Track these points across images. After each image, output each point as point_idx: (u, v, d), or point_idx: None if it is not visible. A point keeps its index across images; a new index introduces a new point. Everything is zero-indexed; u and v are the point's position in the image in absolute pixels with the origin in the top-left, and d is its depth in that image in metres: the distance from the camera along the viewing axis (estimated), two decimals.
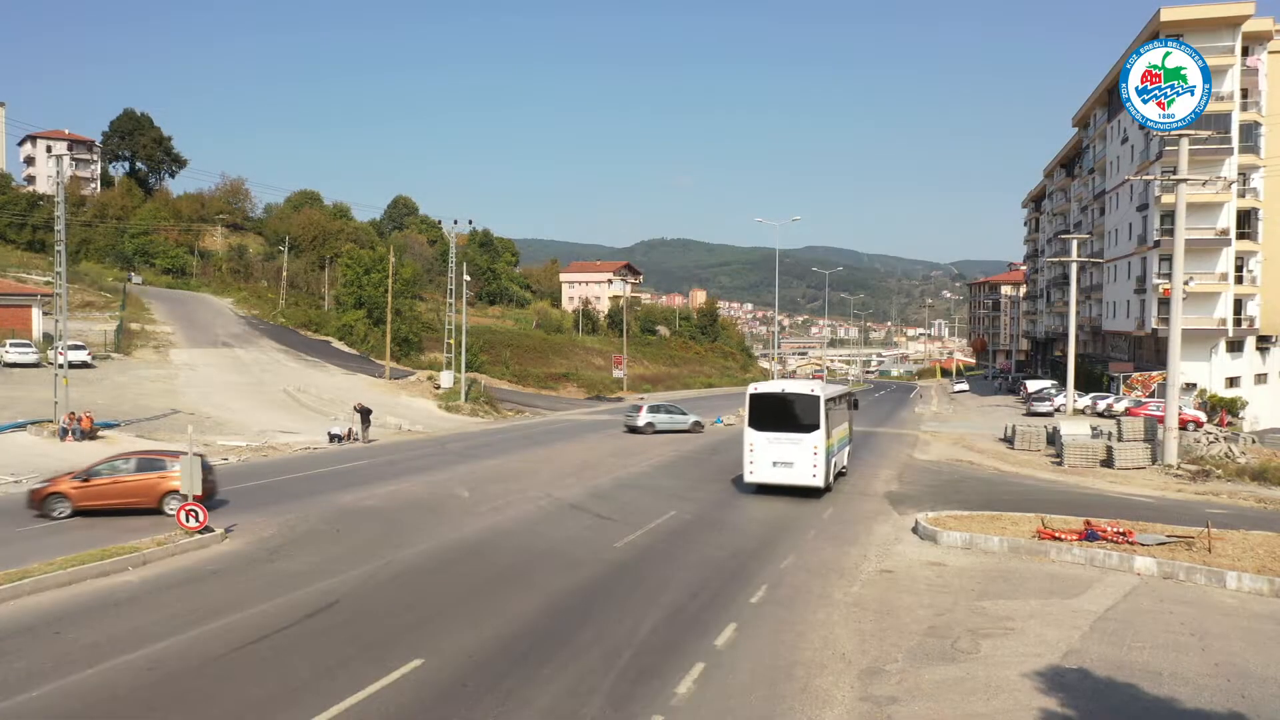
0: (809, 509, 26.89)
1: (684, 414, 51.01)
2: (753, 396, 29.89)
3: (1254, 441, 45.95)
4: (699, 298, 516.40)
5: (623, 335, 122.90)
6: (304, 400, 54.29)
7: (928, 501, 28.79)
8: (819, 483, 28.76)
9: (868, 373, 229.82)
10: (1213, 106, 66.12)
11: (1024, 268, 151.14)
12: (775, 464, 29.08)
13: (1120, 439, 40.16)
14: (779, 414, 29.41)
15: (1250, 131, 68.40)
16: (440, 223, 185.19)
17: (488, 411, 58.10)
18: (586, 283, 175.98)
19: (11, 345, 56.36)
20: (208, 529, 20.88)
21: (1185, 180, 37.32)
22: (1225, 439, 45.98)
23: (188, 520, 20.47)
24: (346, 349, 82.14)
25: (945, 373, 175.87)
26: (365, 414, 42.91)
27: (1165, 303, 61.00)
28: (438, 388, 61.85)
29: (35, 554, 19.70)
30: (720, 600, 17.27)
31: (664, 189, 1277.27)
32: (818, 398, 29.14)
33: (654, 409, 49.84)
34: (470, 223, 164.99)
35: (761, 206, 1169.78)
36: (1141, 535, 21.20)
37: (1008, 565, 20.36)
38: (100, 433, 37.54)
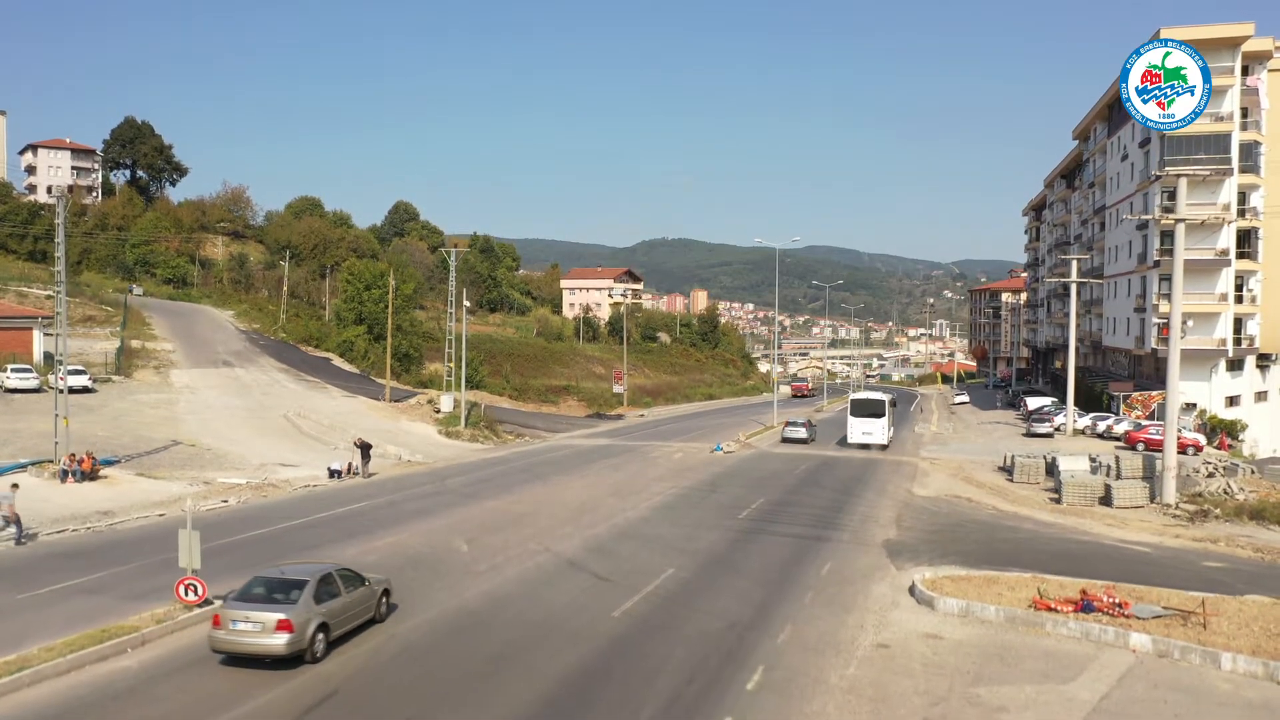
0: (808, 567, 26.91)
1: (814, 426, 65.79)
2: (853, 401, 60.46)
3: (1253, 472, 45.97)
4: (700, 298, 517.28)
5: (623, 344, 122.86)
6: (304, 427, 54.38)
7: (925, 553, 28.87)
8: (885, 443, 57.34)
9: (868, 376, 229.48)
10: (1213, 127, 66.42)
11: (1024, 275, 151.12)
12: (862, 433, 57.34)
13: (1119, 476, 40.21)
14: (864, 408, 58.70)
15: (1250, 151, 68.35)
16: (443, 234, 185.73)
17: (487, 437, 58.22)
18: (587, 289, 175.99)
19: (13, 371, 56.50)
20: (208, 602, 20.95)
21: (1184, 220, 37.30)
22: (1224, 470, 46.11)
23: (187, 594, 20.56)
24: (347, 367, 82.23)
25: (946, 378, 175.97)
26: (365, 449, 43.00)
27: (1165, 321, 61.20)
28: (438, 411, 61.95)
29: (36, 629, 19.82)
30: (717, 687, 17.33)
31: (665, 189, 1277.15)
32: (884, 400, 59.87)
33: (808, 426, 63.11)
34: (470, 245, 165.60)
35: (762, 206, 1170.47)
36: (1137, 607, 21.26)
37: (1004, 639, 20.43)
38: (101, 471, 37.61)
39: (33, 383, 56.27)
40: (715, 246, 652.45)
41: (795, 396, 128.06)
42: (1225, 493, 39.41)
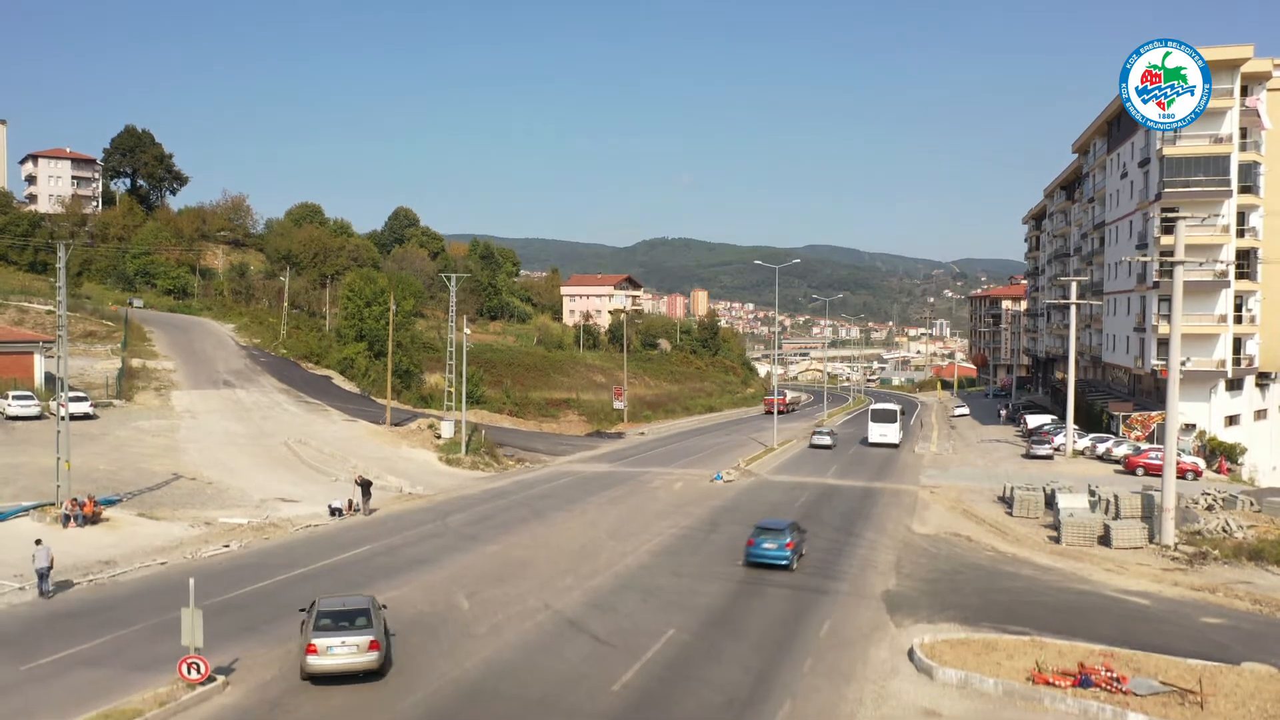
0: (808, 627, 26.94)
1: (836, 434, 78.79)
2: (872, 410, 78.75)
3: (1252, 504, 45.96)
4: (700, 299, 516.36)
5: (624, 351, 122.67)
6: (305, 455, 54.46)
7: (924, 606, 28.98)
8: (896, 442, 74.17)
9: (869, 380, 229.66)
10: (1212, 149, 66.51)
11: (1025, 282, 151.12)
12: (880, 434, 74.10)
13: (1117, 516, 40.26)
14: (881, 416, 76.18)
15: (1249, 171, 68.38)
16: (444, 240, 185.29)
17: (488, 464, 58.28)
18: (587, 296, 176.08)
19: (14, 398, 56.56)
20: (210, 679, 21.05)
21: (1183, 262, 37.36)
22: (1223, 502, 46.24)
23: (189, 673, 20.65)
24: (347, 386, 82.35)
25: (946, 384, 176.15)
26: (366, 486, 43.10)
27: (1164, 343, 61.22)
28: (438, 437, 62.02)
29: (41, 707, 20.08)
30: None
31: (665, 187, 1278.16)
32: (896, 409, 77.95)
33: (830, 433, 76.12)
34: (470, 251, 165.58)
35: (762, 206, 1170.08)
36: (1135, 682, 21.36)
37: (1002, 716, 20.55)
38: (103, 513, 37.68)
39: (34, 410, 56.36)
40: (716, 246, 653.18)
41: (769, 413, 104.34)
42: (1224, 530, 39.48)
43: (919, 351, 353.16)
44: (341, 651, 21.31)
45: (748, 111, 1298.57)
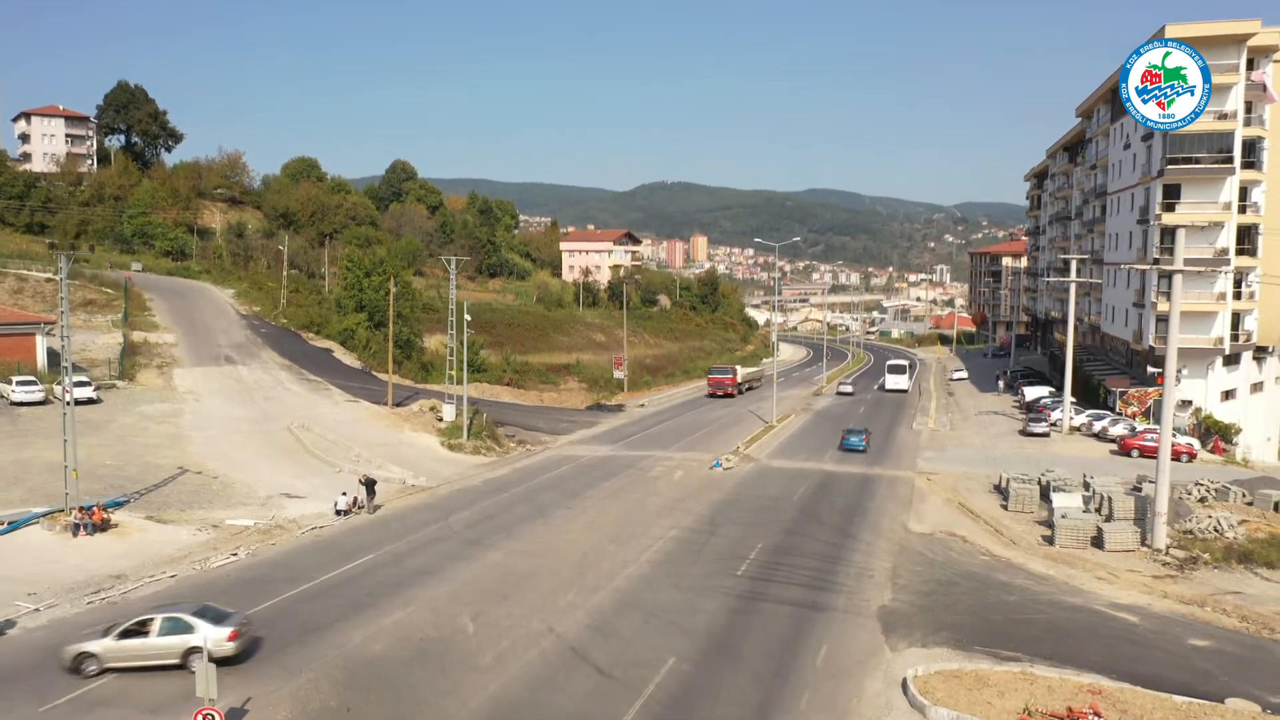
0: (805, 652, 27.58)
1: (855, 385, 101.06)
2: (889, 365, 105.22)
3: (1244, 495, 46.56)
4: (700, 244, 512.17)
5: (623, 308, 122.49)
6: (308, 442, 54.91)
7: (919, 625, 29.62)
8: (907, 388, 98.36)
9: (868, 333, 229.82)
10: (1216, 126, 66.08)
11: (1025, 239, 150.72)
12: (894, 383, 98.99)
13: (1110, 517, 40.84)
14: (896, 370, 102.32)
15: (1252, 147, 68.02)
16: (442, 195, 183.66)
17: (490, 448, 58.73)
18: (586, 252, 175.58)
19: (18, 384, 56.92)
20: None
21: (1181, 271, 37.43)
22: (1216, 493, 46.85)
23: None
24: (348, 359, 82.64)
25: (945, 339, 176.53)
26: (370, 485, 43.68)
27: (1163, 320, 61.48)
28: (440, 420, 62.47)
29: None
30: None
31: (665, 130, 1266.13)
32: (905, 364, 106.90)
33: (853, 384, 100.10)
34: (468, 205, 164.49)
35: (763, 148, 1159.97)
36: None
37: None
38: (112, 517, 38.18)
39: (38, 395, 56.78)
40: (715, 190, 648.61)
41: (714, 395, 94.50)
42: (1215, 530, 40.07)
43: (919, 299, 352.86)
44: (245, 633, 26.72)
45: (748, 54, 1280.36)
